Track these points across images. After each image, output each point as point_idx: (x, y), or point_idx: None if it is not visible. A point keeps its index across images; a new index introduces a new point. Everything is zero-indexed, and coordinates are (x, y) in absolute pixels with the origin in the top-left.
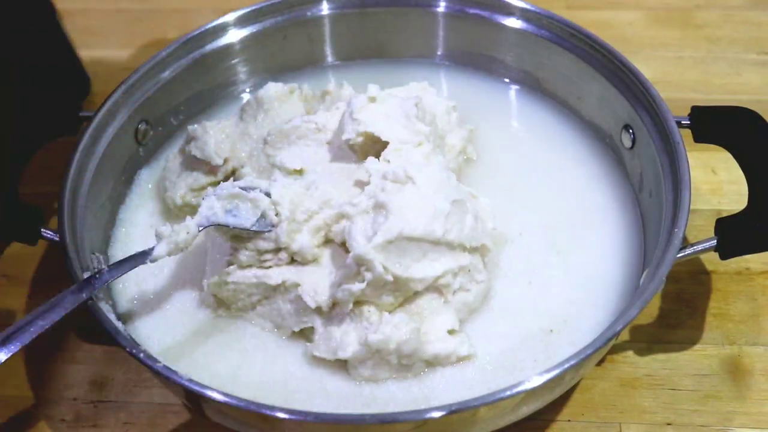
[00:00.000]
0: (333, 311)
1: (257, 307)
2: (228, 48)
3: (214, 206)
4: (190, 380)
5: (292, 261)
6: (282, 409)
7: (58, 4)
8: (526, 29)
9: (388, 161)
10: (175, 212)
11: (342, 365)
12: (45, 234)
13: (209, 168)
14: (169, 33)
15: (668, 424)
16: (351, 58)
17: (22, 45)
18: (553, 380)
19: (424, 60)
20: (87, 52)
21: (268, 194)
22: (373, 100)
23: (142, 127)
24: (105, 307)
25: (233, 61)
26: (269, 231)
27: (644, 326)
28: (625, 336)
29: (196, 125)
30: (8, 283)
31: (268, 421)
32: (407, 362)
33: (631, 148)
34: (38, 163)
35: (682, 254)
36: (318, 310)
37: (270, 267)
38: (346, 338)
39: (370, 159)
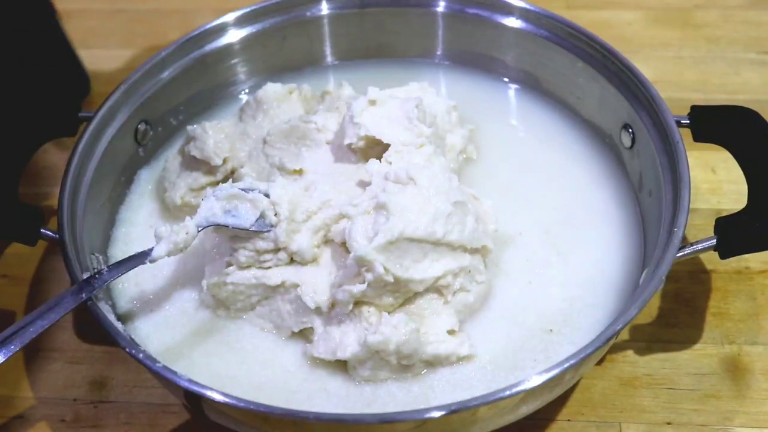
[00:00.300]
0: (332, 311)
1: (257, 308)
2: (227, 48)
3: (213, 207)
4: (190, 380)
5: (292, 261)
6: (281, 409)
7: (57, 4)
8: (525, 29)
9: (390, 163)
10: (174, 212)
11: (342, 365)
12: (44, 234)
13: (208, 168)
14: (169, 33)
15: (668, 423)
16: (350, 58)
17: (22, 45)
18: (553, 380)
19: (423, 60)
20: (87, 53)
21: (267, 195)
22: (373, 103)
23: (141, 127)
24: (104, 308)
25: (233, 62)
26: (268, 231)
27: (644, 325)
28: (624, 335)
29: (195, 125)
30: (8, 283)
31: (268, 421)
32: (407, 362)
33: (631, 147)
34: (38, 164)
35: (682, 253)
36: (317, 311)
37: (269, 267)
38: (345, 339)
39: (372, 161)
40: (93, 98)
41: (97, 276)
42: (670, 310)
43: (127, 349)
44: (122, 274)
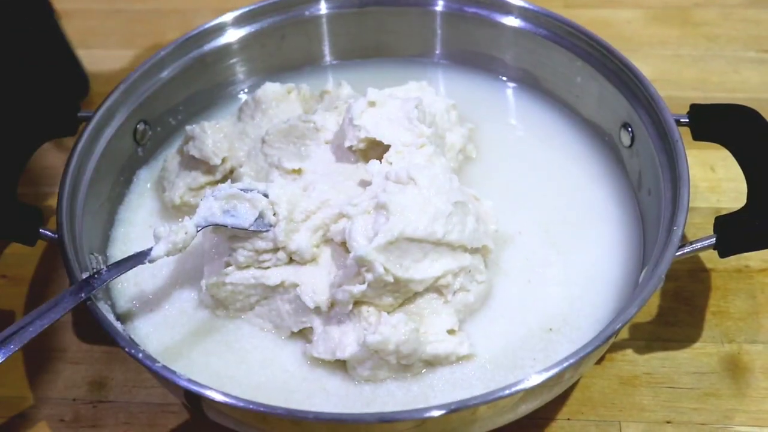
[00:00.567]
0: (331, 311)
1: (256, 308)
2: (226, 48)
3: (212, 207)
4: (189, 380)
5: (291, 261)
6: (281, 409)
7: (56, 4)
8: (524, 28)
9: (391, 163)
10: (173, 212)
11: (341, 365)
12: (43, 234)
13: (207, 168)
14: (168, 33)
15: (668, 422)
16: (349, 58)
17: (21, 45)
18: (553, 379)
19: (422, 59)
20: (86, 52)
21: (265, 195)
22: (372, 104)
23: (140, 127)
24: (104, 307)
25: (232, 61)
26: (267, 231)
27: (643, 324)
28: (624, 334)
29: (194, 125)
30: (7, 283)
31: (267, 420)
32: (406, 362)
33: (630, 146)
34: (37, 164)
35: (681, 252)
36: (317, 311)
37: (268, 267)
38: (344, 339)
39: (373, 162)
40: (92, 98)
41: (96, 276)
42: (669, 309)
43: (127, 349)
44: (121, 274)
